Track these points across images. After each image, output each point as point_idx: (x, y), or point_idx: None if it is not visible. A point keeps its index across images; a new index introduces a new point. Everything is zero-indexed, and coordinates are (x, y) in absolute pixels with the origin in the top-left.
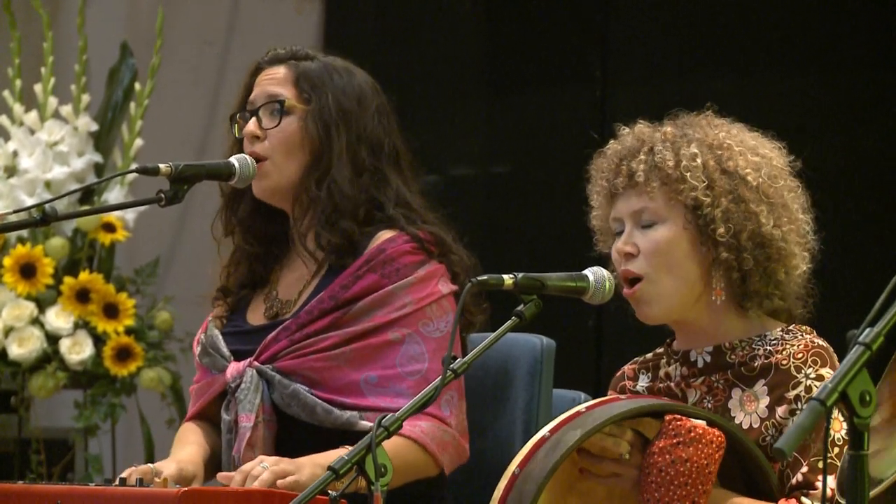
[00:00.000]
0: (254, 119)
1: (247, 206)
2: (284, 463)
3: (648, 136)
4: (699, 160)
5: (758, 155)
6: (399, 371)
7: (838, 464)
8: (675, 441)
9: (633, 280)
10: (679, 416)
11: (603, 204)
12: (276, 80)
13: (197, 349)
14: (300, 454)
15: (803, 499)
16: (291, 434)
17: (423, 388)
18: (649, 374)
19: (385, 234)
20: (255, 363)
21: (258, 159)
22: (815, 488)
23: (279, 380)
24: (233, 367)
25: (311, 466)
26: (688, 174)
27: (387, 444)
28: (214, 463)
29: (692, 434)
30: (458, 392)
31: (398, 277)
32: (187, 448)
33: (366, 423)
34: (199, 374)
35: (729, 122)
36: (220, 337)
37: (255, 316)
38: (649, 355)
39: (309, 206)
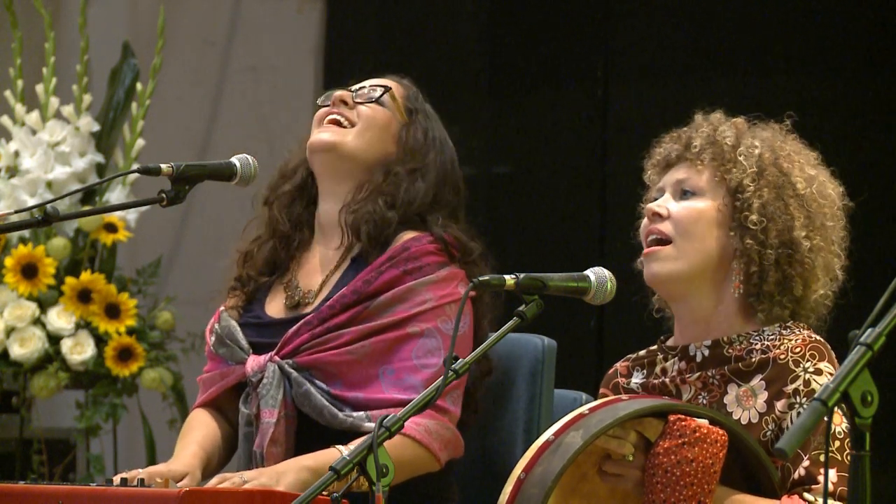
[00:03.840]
0: (346, 90)
1: (293, 184)
2: (265, 477)
3: (718, 120)
4: (757, 151)
5: (814, 174)
6: (415, 363)
7: (839, 458)
8: (680, 441)
9: (655, 242)
10: (683, 416)
11: (654, 179)
12: (381, 77)
13: (210, 339)
14: (318, 449)
15: (806, 494)
16: (309, 429)
17: (435, 380)
18: (644, 371)
19: (410, 233)
20: (276, 358)
21: (339, 124)
22: (817, 482)
23: (295, 377)
24: (253, 361)
25: (296, 471)
26: (741, 157)
27: (390, 443)
28: (222, 453)
29: (697, 434)
30: (461, 386)
31: (420, 275)
32: (186, 449)
33: (371, 426)
34: (211, 364)
35: (798, 140)
36: (238, 328)
37: (275, 307)
38: (642, 352)
39: (372, 190)
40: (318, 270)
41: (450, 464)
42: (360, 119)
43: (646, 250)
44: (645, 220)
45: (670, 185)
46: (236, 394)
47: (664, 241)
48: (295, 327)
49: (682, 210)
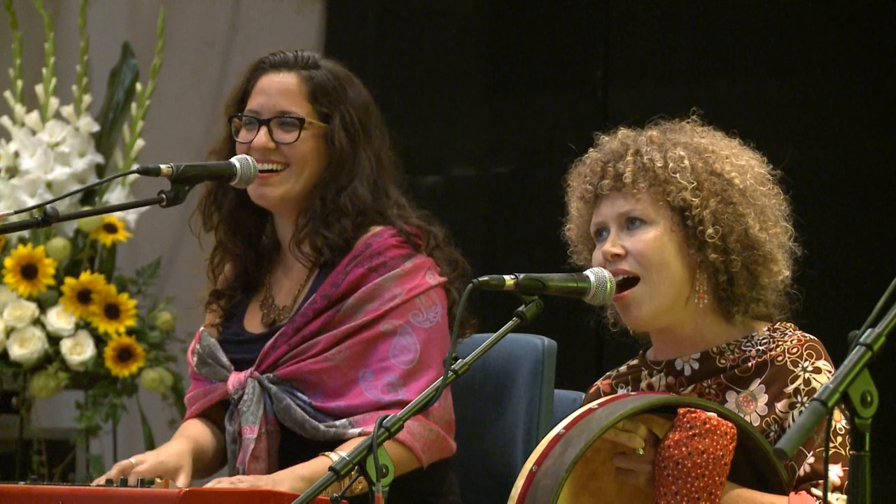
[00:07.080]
0: (264, 131)
1: (231, 201)
2: (262, 482)
3: (633, 139)
4: (687, 162)
5: (742, 160)
6: (392, 362)
7: (843, 453)
8: (690, 433)
9: (623, 284)
10: (693, 409)
11: (582, 210)
12: (287, 93)
13: (193, 359)
14: (303, 462)
15: (814, 490)
16: (292, 443)
17: (412, 376)
18: (629, 387)
19: (372, 229)
20: (256, 373)
21: (269, 169)
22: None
23: (275, 392)
24: (234, 378)
25: (291, 480)
26: (676, 175)
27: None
28: (209, 455)
29: (707, 426)
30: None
31: (385, 270)
32: (175, 442)
33: (354, 432)
34: (195, 384)
35: (710, 130)
36: (219, 346)
37: (253, 323)
38: (623, 368)
39: (314, 214)
40: (290, 285)
41: (448, 461)
42: (291, 159)
43: (615, 296)
44: (600, 260)
45: (613, 220)
46: (224, 409)
47: (631, 279)
48: (272, 340)
49: (638, 243)
